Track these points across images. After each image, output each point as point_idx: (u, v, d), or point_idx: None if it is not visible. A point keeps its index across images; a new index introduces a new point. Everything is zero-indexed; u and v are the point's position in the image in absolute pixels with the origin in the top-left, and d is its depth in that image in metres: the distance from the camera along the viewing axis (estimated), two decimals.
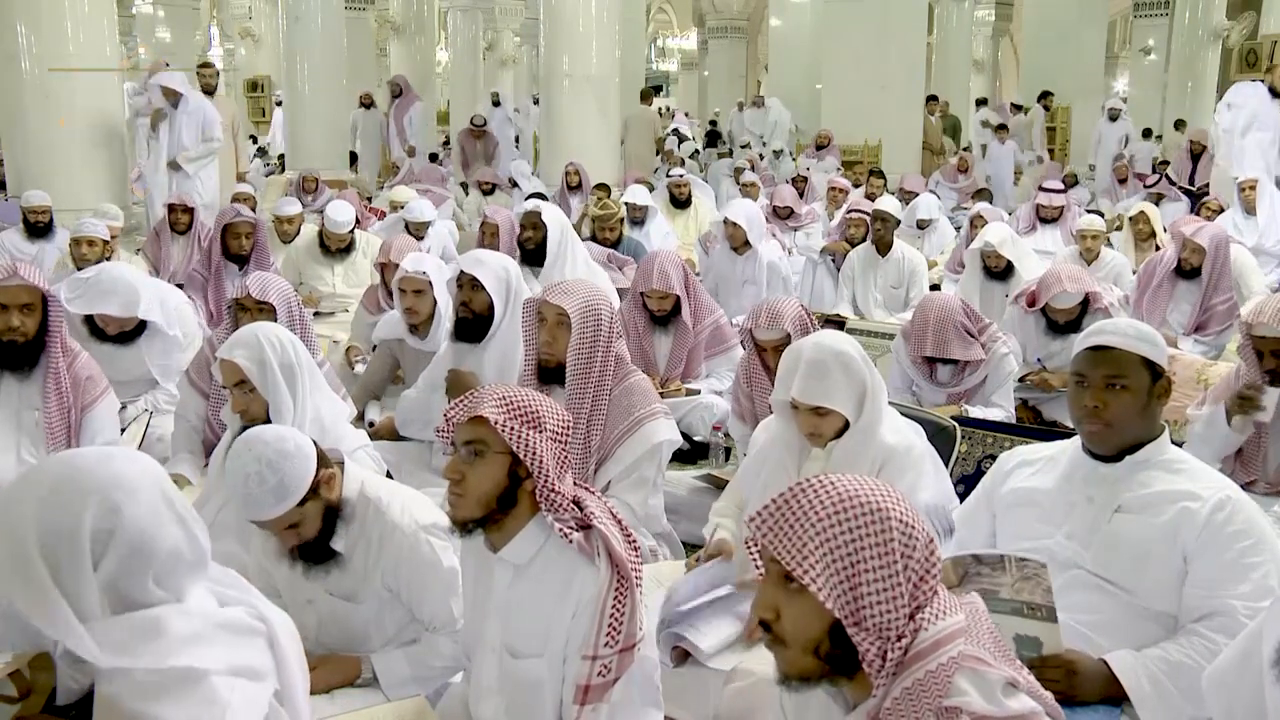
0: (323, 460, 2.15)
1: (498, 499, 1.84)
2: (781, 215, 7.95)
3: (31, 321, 3.11)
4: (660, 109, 15.70)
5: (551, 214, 5.28)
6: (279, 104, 12.05)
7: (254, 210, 6.77)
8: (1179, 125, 13.79)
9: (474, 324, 3.48)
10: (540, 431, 1.84)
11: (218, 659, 1.47)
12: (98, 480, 1.46)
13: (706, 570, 2.44)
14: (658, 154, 12.64)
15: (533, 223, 5.16)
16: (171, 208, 6.14)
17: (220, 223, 5.39)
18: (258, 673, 1.53)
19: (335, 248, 5.98)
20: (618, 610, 1.80)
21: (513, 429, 1.81)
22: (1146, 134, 13.97)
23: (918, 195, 8.37)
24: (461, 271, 3.50)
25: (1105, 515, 2.06)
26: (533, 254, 5.15)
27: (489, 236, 5.81)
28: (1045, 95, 14.45)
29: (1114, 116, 12.56)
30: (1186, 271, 5.11)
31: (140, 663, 1.41)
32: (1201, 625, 1.93)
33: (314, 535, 2.17)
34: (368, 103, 13.25)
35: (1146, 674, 1.90)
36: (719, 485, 3.35)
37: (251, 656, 1.55)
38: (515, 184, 9.67)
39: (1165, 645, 1.94)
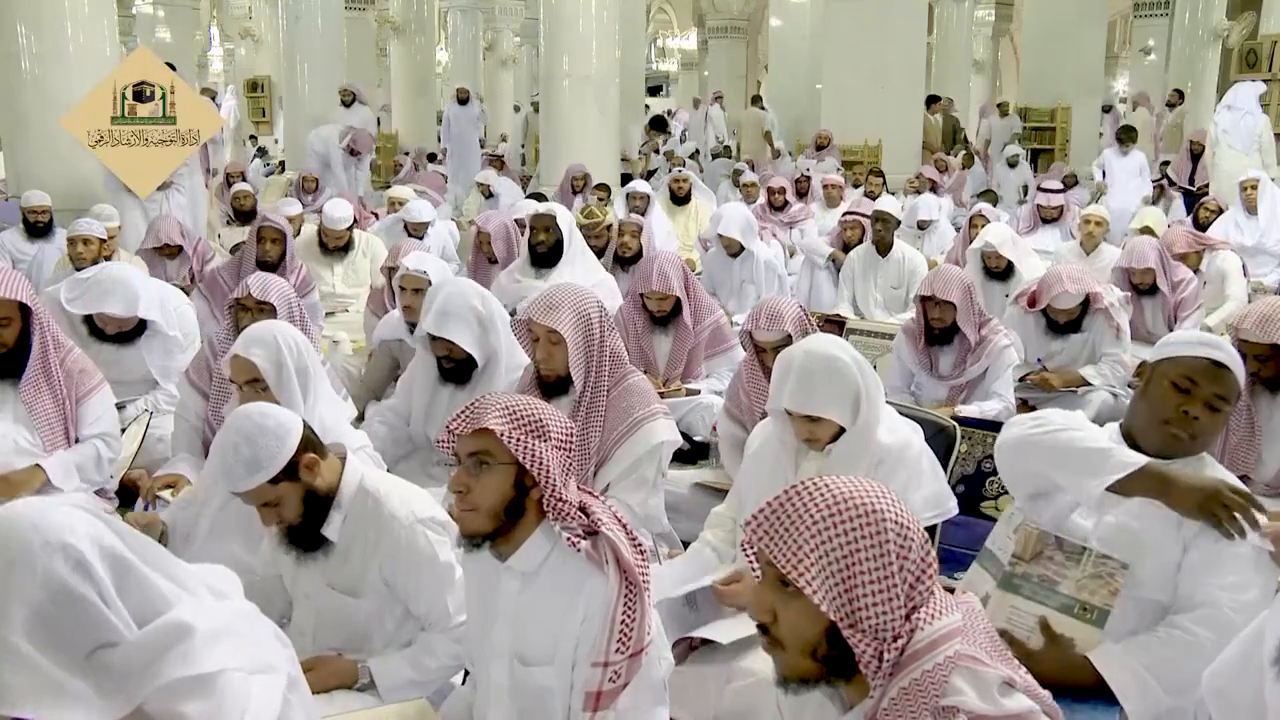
0: (310, 446, 2.15)
1: (505, 509, 1.83)
2: (776, 205, 7.96)
3: (10, 333, 3.09)
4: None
5: (564, 217, 5.25)
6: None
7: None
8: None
9: (460, 368, 3.34)
10: (545, 440, 1.82)
11: (237, 654, 1.46)
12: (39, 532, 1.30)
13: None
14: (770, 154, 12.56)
15: (545, 225, 5.10)
16: (156, 250, 5.78)
17: (253, 229, 5.18)
18: (271, 665, 1.53)
19: (333, 246, 5.95)
20: (628, 617, 1.79)
21: (519, 440, 1.79)
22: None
23: (934, 183, 8.32)
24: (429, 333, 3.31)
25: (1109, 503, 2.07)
26: (544, 256, 5.10)
27: (484, 245, 5.78)
28: (1176, 93, 13.81)
29: (1012, 164, 11.78)
30: (1144, 290, 5.04)
31: (169, 675, 1.35)
32: (1184, 618, 1.95)
33: (297, 520, 2.17)
34: (464, 98, 13.15)
35: (1124, 664, 1.93)
36: (716, 490, 3.34)
37: (263, 648, 1.54)
38: (491, 194, 9.47)
39: (1143, 636, 1.97)
